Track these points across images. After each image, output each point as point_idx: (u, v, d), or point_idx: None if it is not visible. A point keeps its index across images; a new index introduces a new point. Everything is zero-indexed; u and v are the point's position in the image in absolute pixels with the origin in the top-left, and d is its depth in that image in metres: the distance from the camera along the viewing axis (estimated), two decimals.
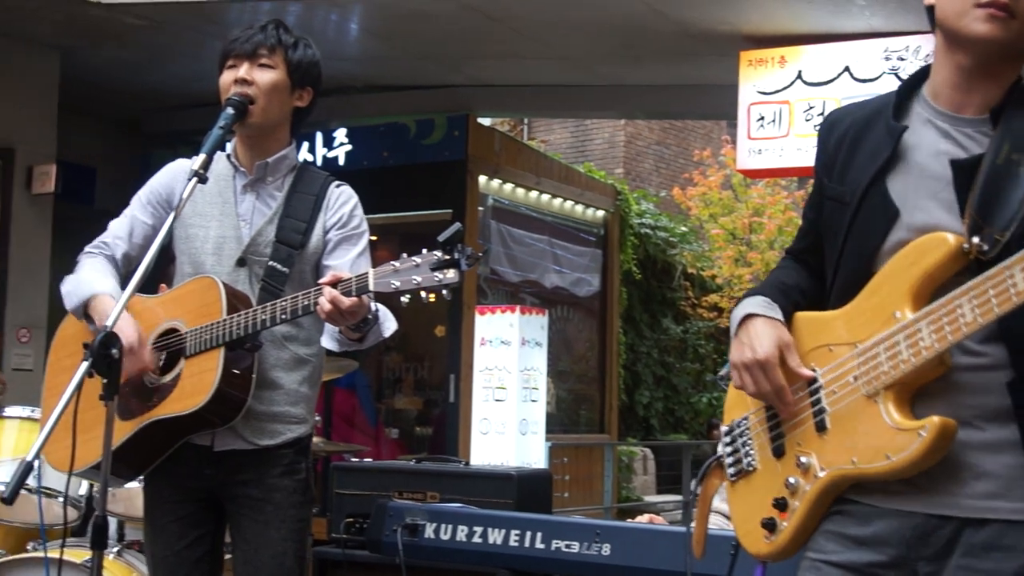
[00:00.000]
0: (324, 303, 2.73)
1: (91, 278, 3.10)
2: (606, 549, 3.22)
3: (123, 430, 2.99)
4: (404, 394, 10.81)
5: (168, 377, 2.99)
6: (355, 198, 3.20)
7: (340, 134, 9.91)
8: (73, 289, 3.10)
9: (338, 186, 3.19)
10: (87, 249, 3.22)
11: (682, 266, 15.14)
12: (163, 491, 3.12)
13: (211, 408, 2.90)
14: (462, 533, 3.47)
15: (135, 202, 3.25)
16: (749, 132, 7.50)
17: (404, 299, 2.73)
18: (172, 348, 3.01)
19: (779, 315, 2.18)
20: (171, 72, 9.43)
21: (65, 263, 9.68)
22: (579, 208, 11.68)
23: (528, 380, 8.64)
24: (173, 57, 9.08)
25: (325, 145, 9.86)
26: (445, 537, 3.50)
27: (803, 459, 2.07)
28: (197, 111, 10.14)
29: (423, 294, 2.67)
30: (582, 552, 3.26)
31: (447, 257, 2.63)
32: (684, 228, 15.48)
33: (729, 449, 2.27)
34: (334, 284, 2.74)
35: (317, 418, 3.33)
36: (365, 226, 3.18)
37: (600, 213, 12.02)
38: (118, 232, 3.22)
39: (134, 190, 10.36)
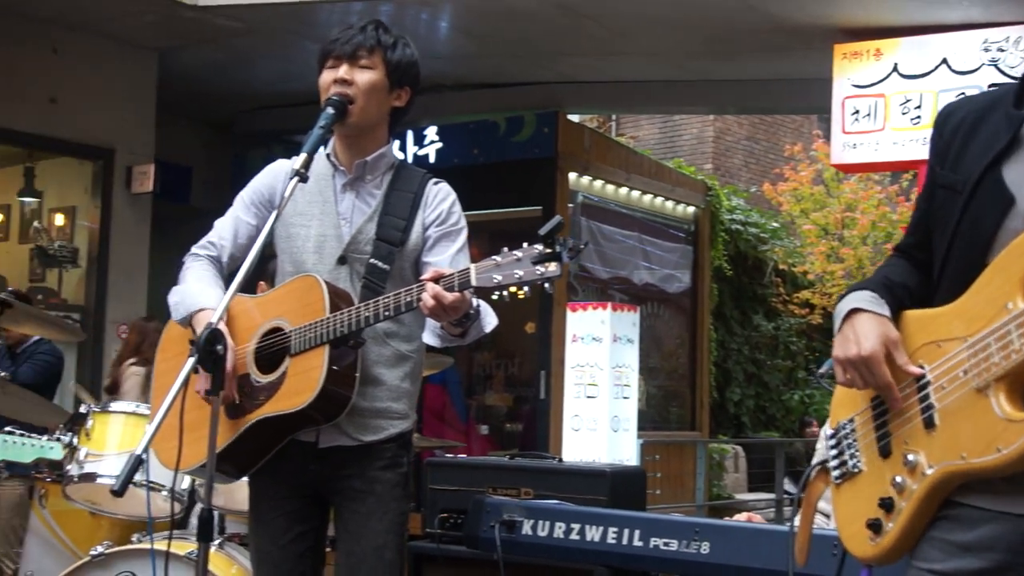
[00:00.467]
0: (427, 299, 2.75)
1: (196, 291, 3.12)
2: (705, 547, 3.19)
3: (231, 429, 3.04)
4: (494, 390, 10.85)
5: (274, 376, 3.02)
6: (453, 195, 3.21)
7: (431, 132, 9.97)
8: (180, 301, 3.13)
9: (436, 183, 3.22)
10: (193, 250, 3.27)
11: (773, 262, 14.98)
12: (269, 486, 3.16)
13: (317, 405, 2.92)
14: (559, 530, 3.47)
15: (238, 202, 3.29)
16: (844, 126, 7.40)
17: (504, 294, 2.73)
18: (277, 347, 3.04)
19: (886, 311, 2.13)
20: (264, 73, 9.58)
21: (162, 260, 9.92)
22: (669, 204, 11.61)
23: (620, 377, 8.60)
24: (266, 58, 9.21)
25: (416, 143, 9.94)
26: (542, 533, 3.50)
27: (910, 457, 2.02)
28: (289, 111, 10.30)
29: (524, 288, 2.67)
30: (680, 550, 3.24)
31: (548, 250, 2.62)
32: (775, 224, 15.31)
33: (834, 451, 2.23)
34: (436, 280, 2.75)
35: None
36: (463, 222, 3.20)
37: (690, 209, 11.94)
38: (223, 233, 3.27)
39: (228, 189, 10.58)
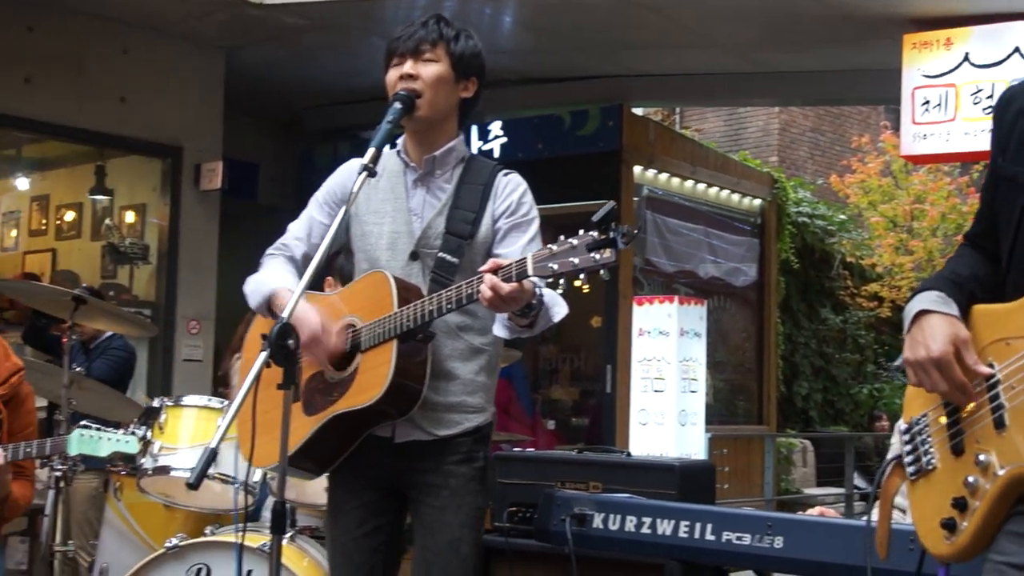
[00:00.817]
0: (485, 290, 2.73)
1: (270, 276, 3.18)
2: (778, 542, 3.15)
3: (307, 426, 3.06)
4: (560, 385, 10.85)
5: (347, 372, 3.04)
6: (523, 185, 3.18)
7: (495, 127, 9.99)
8: (255, 288, 3.18)
9: (506, 174, 3.19)
10: (268, 251, 3.31)
11: (841, 255, 14.82)
12: (347, 479, 3.18)
13: (387, 400, 2.93)
14: (630, 523, 3.44)
15: (312, 203, 3.32)
16: (914, 117, 7.30)
17: (562, 282, 2.70)
18: (351, 343, 3.05)
19: (954, 310, 2.10)
20: (329, 69, 9.63)
21: (230, 256, 10.02)
22: (735, 197, 11.53)
23: (687, 371, 8.54)
24: (331, 54, 9.27)
25: (480, 138, 9.95)
26: (613, 527, 3.47)
27: (982, 457, 1.99)
28: (356, 107, 10.36)
29: (581, 276, 2.65)
30: (753, 544, 3.20)
31: (603, 236, 2.59)
32: (842, 216, 15.15)
33: (908, 447, 2.19)
34: (495, 271, 2.73)
35: None
36: (535, 212, 3.16)
37: (757, 202, 11.86)
38: (297, 233, 3.30)
39: (295, 185, 10.67)
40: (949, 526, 2.04)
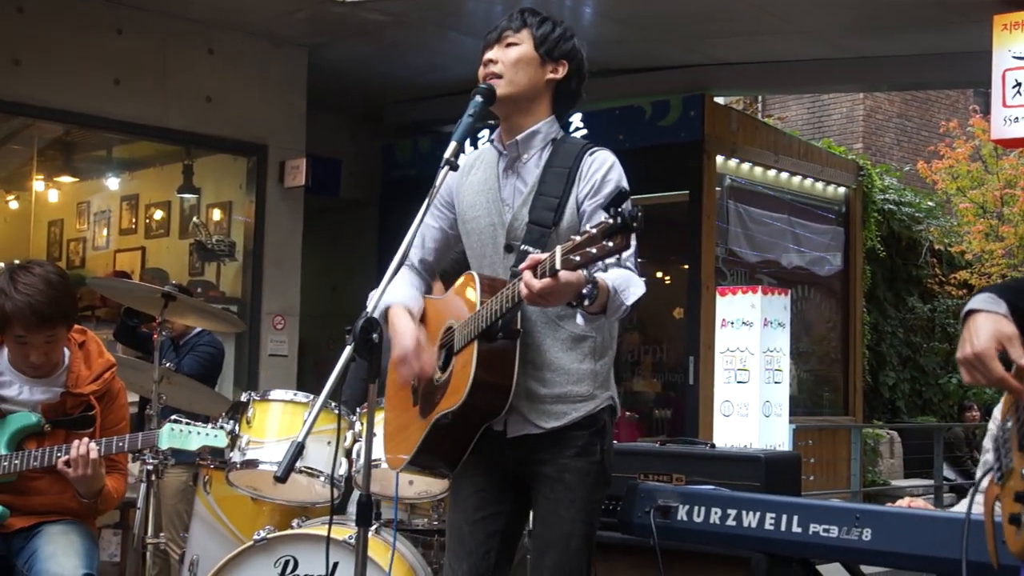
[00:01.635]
0: (522, 288, 2.71)
1: (389, 291, 3.08)
2: (867, 534, 3.11)
3: (420, 428, 3.08)
4: (642, 376, 10.80)
5: (446, 374, 3.06)
6: (610, 161, 3.08)
7: (575, 119, 9.94)
8: (374, 304, 3.19)
9: (592, 152, 3.10)
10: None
11: (928, 242, 14.57)
12: (468, 464, 3.16)
13: (474, 401, 2.92)
14: (715, 516, 3.42)
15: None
16: (1004, 100, 7.14)
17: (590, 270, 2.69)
18: (448, 345, 3.07)
19: (1003, 309, 2.18)
20: (410, 64, 9.68)
21: (314, 253, 10.08)
22: (819, 185, 11.38)
23: (771, 361, 8.47)
24: (412, 50, 9.32)
25: (559, 130, 9.93)
26: (698, 520, 3.45)
27: None
28: (436, 101, 10.40)
29: (606, 261, 2.61)
30: (841, 536, 3.16)
31: (613, 223, 2.55)
32: (930, 203, 14.89)
33: (995, 454, 2.24)
34: (532, 268, 2.69)
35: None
36: (623, 186, 2.97)
37: (841, 190, 11.69)
38: (416, 241, 3.27)
39: (377, 181, 10.71)
40: (1015, 521, 2.07)
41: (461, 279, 3.13)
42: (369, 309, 3.15)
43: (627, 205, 2.55)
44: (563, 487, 3.04)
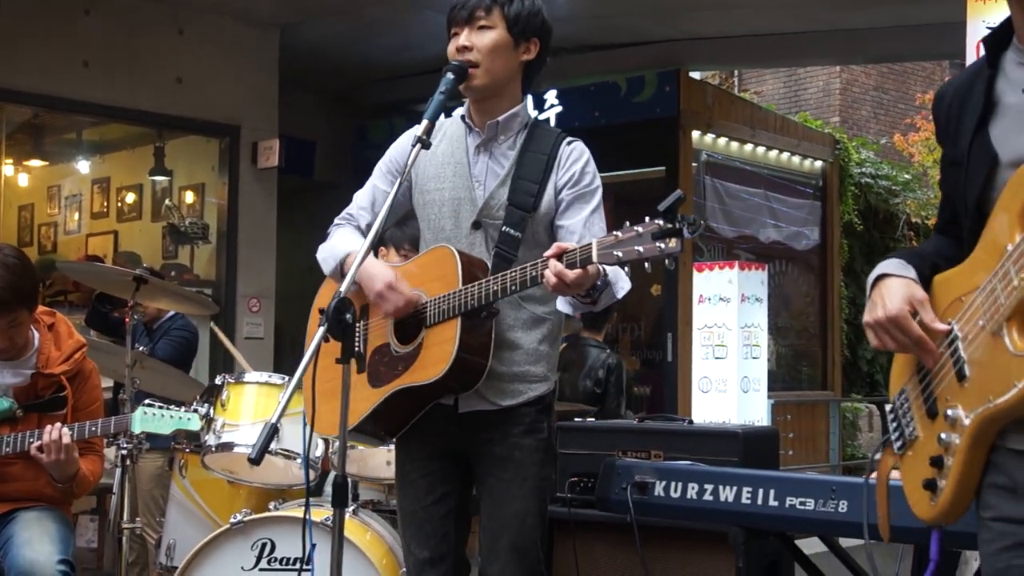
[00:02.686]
0: (549, 276, 2.74)
1: (342, 242, 3.22)
2: (843, 506, 3.14)
3: (372, 397, 3.09)
4: (621, 354, 10.82)
5: (411, 346, 3.06)
6: (587, 154, 3.15)
7: (550, 96, 9.95)
8: (328, 255, 3.23)
9: (570, 143, 3.16)
10: (335, 221, 3.35)
11: (906, 215, 14.60)
12: (412, 448, 3.21)
13: (451, 376, 2.95)
14: (692, 491, 3.44)
15: (376, 172, 3.34)
16: None
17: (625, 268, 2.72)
18: (415, 318, 3.07)
19: (912, 273, 2.19)
20: (383, 44, 9.64)
21: (289, 234, 10.04)
22: (796, 159, 11.41)
23: (749, 337, 8.49)
24: (386, 28, 9.28)
25: (536, 107, 9.91)
26: (675, 495, 3.47)
27: (950, 412, 2.05)
28: (409, 80, 10.37)
29: (645, 264, 2.65)
30: (818, 509, 3.18)
31: (669, 226, 2.58)
32: (907, 176, 14.91)
33: (894, 424, 2.26)
34: (559, 256, 2.73)
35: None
36: (598, 182, 3.14)
37: (818, 164, 11.72)
38: (361, 203, 3.32)
39: (351, 161, 10.68)
40: (930, 486, 2.09)
41: (433, 251, 3.13)
42: (322, 262, 3.16)
43: (692, 216, 2.62)
44: (513, 466, 3.08)
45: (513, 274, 2.88)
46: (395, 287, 3.03)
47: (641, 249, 2.61)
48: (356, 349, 3.11)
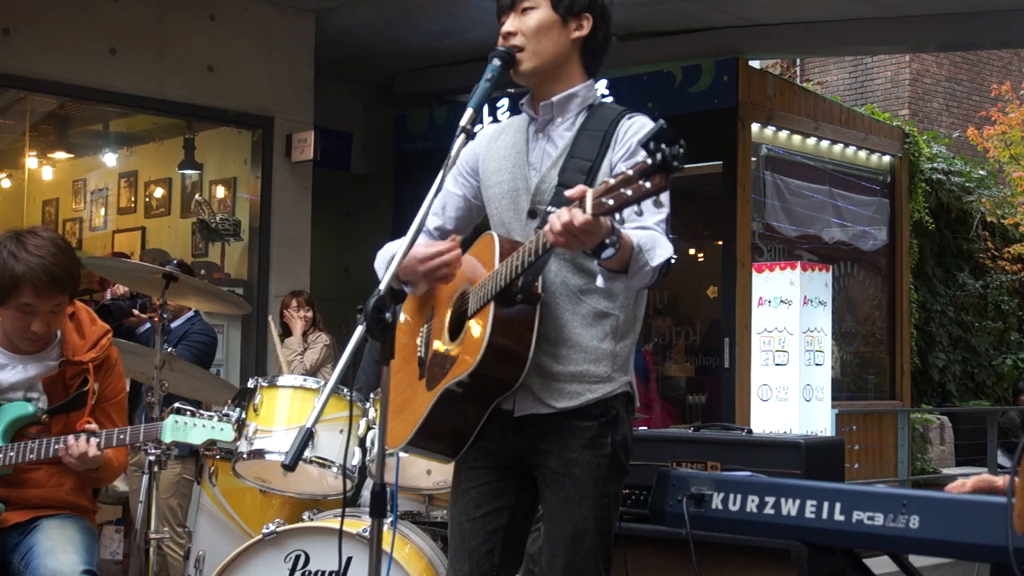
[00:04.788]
0: (555, 222, 2.65)
1: (395, 246, 3.13)
2: (914, 521, 3.10)
3: (426, 401, 3.06)
4: (675, 360, 10.78)
5: (458, 341, 3.04)
6: (648, 126, 3.05)
7: (601, 85, 9.90)
8: (382, 259, 3.22)
9: (630, 117, 3.10)
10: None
11: (980, 214, 14.46)
12: (471, 456, 3.17)
13: (488, 367, 2.90)
14: (752, 503, 3.41)
15: (448, 177, 3.32)
16: None
17: (620, 216, 2.62)
18: (462, 311, 3.06)
19: None
20: (424, 30, 9.66)
21: (324, 231, 10.03)
22: (862, 154, 11.31)
23: (812, 342, 8.43)
24: (426, 14, 9.29)
25: (595, 95, 9.89)
26: (734, 508, 3.44)
27: None
28: (449, 69, 10.39)
29: (640, 205, 2.57)
30: (887, 524, 3.15)
31: (652, 162, 2.52)
32: (982, 172, 14.77)
33: None
34: (581, 201, 2.64)
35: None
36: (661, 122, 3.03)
37: (886, 159, 11.61)
38: (435, 208, 3.30)
39: (389, 154, 10.65)
40: None
41: (478, 241, 3.12)
42: (377, 269, 3.16)
43: (668, 145, 2.51)
44: (572, 483, 3.03)
45: (530, 243, 2.83)
46: (430, 248, 3.02)
47: (629, 192, 2.54)
48: (418, 355, 3.13)
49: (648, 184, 2.52)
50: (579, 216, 2.61)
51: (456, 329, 3.07)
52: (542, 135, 3.17)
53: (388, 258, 3.15)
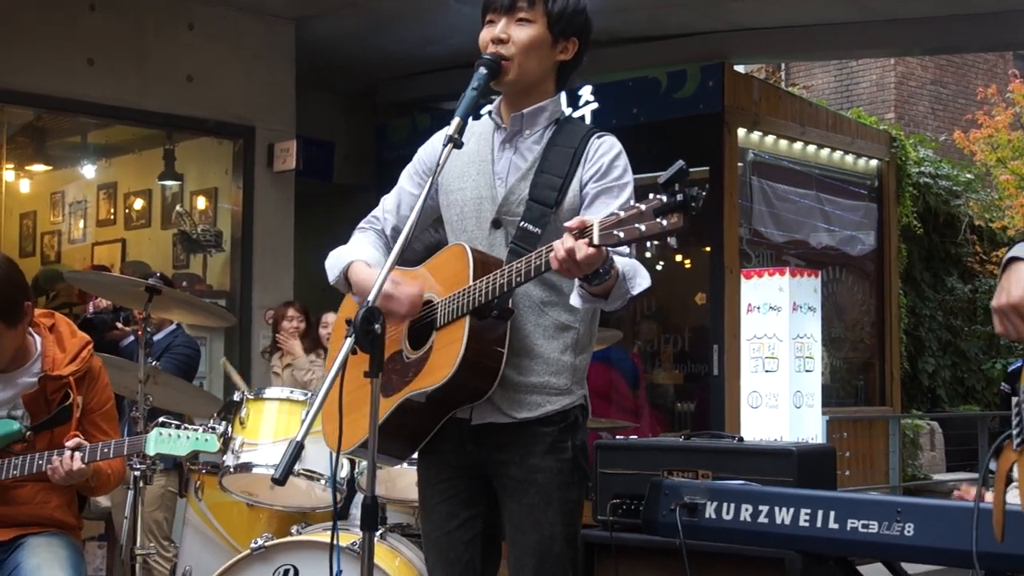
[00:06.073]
0: (559, 249, 2.69)
1: (350, 249, 3.23)
2: (909, 529, 3.12)
3: (384, 408, 3.07)
4: (662, 368, 10.80)
5: (422, 351, 3.06)
6: (617, 147, 3.12)
7: (585, 92, 9.94)
8: (335, 262, 3.23)
9: (600, 136, 3.15)
10: (360, 225, 3.37)
11: (968, 218, 14.53)
12: (432, 471, 3.21)
13: (459, 381, 2.93)
14: (746, 512, 3.43)
15: (403, 175, 3.36)
16: None
17: (632, 248, 2.69)
18: (427, 321, 3.08)
19: None
20: (402, 38, 9.68)
21: (307, 241, 10.04)
22: (849, 159, 11.36)
23: (801, 348, 8.45)
24: (405, 22, 9.32)
25: (570, 104, 9.91)
26: (727, 517, 3.46)
27: None
28: (433, 76, 10.40)
29: (649, 244, 2.63)
30: (882, 532, 3.17)
31: (671, 200, 2.55)
32: (969, 175, 14.84)
33: (1016, 419, 2.23)
34: (583, 231, 2.68)
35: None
36: (628, 177, 3.10)
37: (873, 163, 11.67)
38: (387, 206, 3.35)
39: (372, 163, 10.67)
40: None
41: (447, 250, 3.14)
42: (328, 269, 3.17)
43: (695, 188, 2.55)
44: (535, 489, 3.06)
45: (518, 264, 2.86)
46: (399, 284, 3.01)
47: (643, 228, 2.58)
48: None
49: (664, 222, 2.56)
50: (583, 248, 2.66)
51: (419, 338, 3.09)
52: (509, 146, 3.19)
53: (338, 262, 3.19)
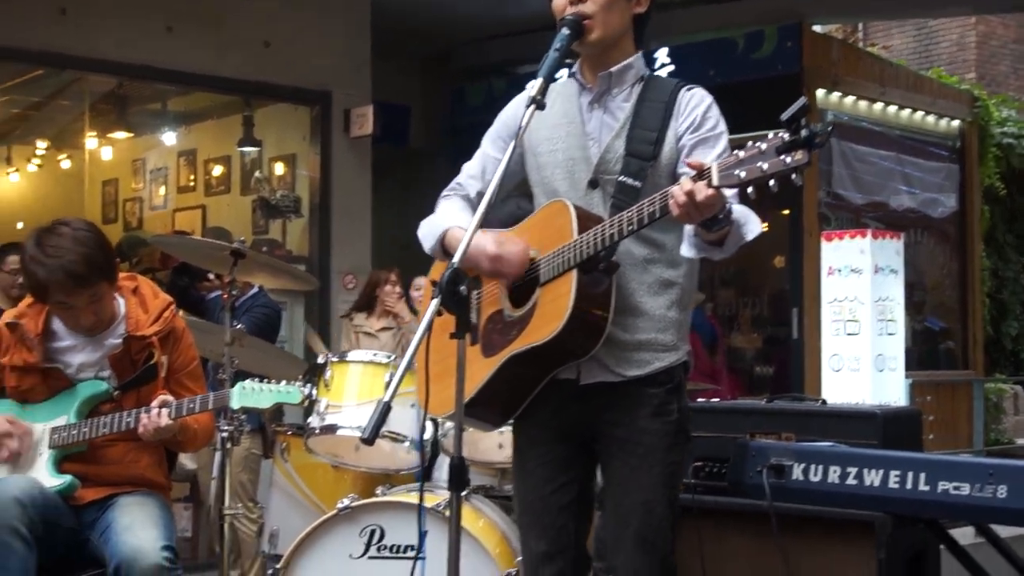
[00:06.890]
0: (679, 194, 2.67)
1: (443, 217, 3.24)
2: (1002, 491, 3.08)
3: (486, 368, 3.09)
4: (741, 332, 10.73)
5: (526, 308, 3.05)
6: (708, 99, 3.13)
7: (661, 54, 9.85)
8: (428, 231, 3.24)
9: (689, 89, 3.15)
10: (443, 193, 3.37)
11: None
12: (531, 433, 3.21)
13: (568, 335, 2.92)
14: (834, 474, 3.39)
15: (486, 139, 3.36)
16: None
17: (750, 191, 2.64)
18: (529, 278, 3.07)
19: None
20: (478, 1, 9.63)
21: (384, 206, 10.04)
22: (930, 119, 11.18)
23: (883, 311, 8.34)
24: None
25: (646, 67, 9.85)
26: (815, 479, 3.43)
27: None
28: (506, 40, 10.36)
29: (771, 183, 2.58)
30: (973, 495, 3.13)
31: (794, 137, 2.52)
32: None
33: None
34: (700, 173, 2.67)
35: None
36: (722, 127, 3.10)
37: (955, 124, 11.47)
38: (471, 171, 3.35)
39: (448, 127, 10.67)
40: None
41: (546, 207, 3.13)
42: (422, 239, 3.17)
43: (818, 124, 2.53)
44: (642, 451, 3.06)
45: (630, 213, 2.85)
46: (503, 243, 3.03)
47: (765, 166, 2.55)
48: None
49: (788, 159, 2.52)
50: (703, 190, 2.64)
51: (521, 297, 3.09)
52: (597, 106, 3.18)
53: (432, 231, 3.20)
